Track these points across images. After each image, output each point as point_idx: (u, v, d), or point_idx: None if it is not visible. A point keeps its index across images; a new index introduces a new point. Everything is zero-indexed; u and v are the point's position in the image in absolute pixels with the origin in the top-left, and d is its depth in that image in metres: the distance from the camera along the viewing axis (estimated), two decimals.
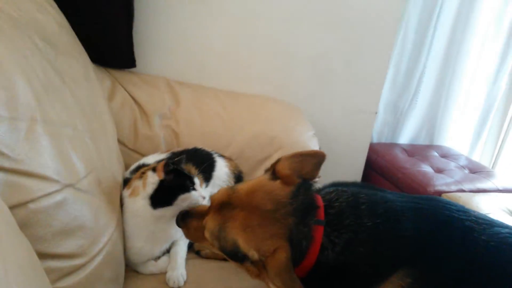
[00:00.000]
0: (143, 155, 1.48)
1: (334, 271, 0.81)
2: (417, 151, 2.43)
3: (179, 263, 1.12)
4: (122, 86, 1.57)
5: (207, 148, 1.49)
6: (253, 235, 0.79)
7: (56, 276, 0.79)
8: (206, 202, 1.06)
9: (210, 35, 1.76)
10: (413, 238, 0.81)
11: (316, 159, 0.91)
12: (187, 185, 1.05)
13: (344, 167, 2.21)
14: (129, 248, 1.10)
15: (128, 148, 1.48)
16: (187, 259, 1.18)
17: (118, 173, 1.17)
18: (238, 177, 1.45)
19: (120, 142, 1.46)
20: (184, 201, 1.03)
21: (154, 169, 1.09)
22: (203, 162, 1.35)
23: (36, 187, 0.75)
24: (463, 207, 0.91)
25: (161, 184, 1.06)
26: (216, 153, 1.43)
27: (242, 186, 0.88)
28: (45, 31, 1.09)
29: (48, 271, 0.77)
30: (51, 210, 0.77)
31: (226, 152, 1.55)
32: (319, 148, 2.01)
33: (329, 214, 0.84)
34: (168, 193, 1.04)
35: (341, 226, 0.82)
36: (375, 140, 2.59)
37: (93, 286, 0.88)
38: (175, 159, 1.12)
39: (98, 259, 0.90)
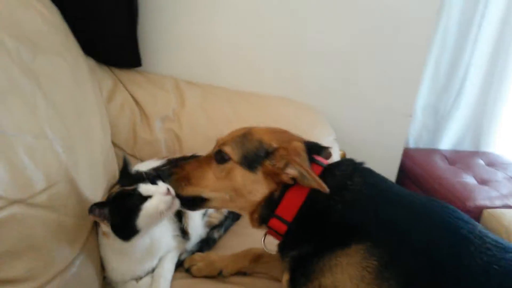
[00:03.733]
0: (143, 160, 1.38)
1: (317, 215, 0.82)
2: (460, 159, 2.16)
3: (161, 285, 1.00)
4: (125, 87, 1.48)
5: None
6: (275, 135, 0.90)
7: None
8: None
9: (221, 32, 1.64)
10: (393, 224, 0.78)
11: None
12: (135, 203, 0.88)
13: None
14: (105, 266, 1.00)
15: (126, 153, 1.39)
16: (175, 279, 1.06)
17: (99, 184, 1.07)
18: None
19: (117, 146, 1.38)
20: (151, 217, 0.90)
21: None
22: None
23: None
24: (470, 219, 0.82)
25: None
26: None
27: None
28: (22, 28, 1.01)
29: None
30: None
31: None
32: (342, 156, 1.84)
33: (330, 167, 0.87)
34: (127, 223, 0.89)
35: (334, 175, 0.85)
36: (412, 146, 2.35)
37: None
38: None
39: (56, 283, 0.80)
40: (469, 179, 1.93)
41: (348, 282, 0.74)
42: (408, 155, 2.15)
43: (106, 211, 0.88)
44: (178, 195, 0.91)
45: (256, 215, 0.89)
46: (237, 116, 1.51)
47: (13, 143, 0.78)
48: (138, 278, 1.03)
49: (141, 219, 0.88)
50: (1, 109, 0.79)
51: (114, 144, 1.37)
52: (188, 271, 1.10)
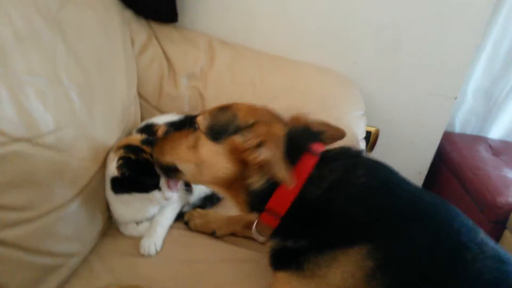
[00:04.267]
0: (164, 112, 1.45)
1: (314, 210, 0.78)
2: (506, 150, 2.01)
3: (157, 232, 1.08)
4: (158, 41, 1.53)
5: None
6: (256, 113, 0.84)
7: None
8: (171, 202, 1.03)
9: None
10: (396, 226, 0.76)
11: None
12: (146, 185, 0.98)
13: (407, 157, 1.93)
14: (110, 207, 1.09)
15: (151, 105, 1.46)
16: (173, 229, 1.14)
17: (113, 131, 1.14)
18: None
19: (143, 98, 1.45)
20: (142, 197, 0.98)
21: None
22: None
23: None
24: (474, 226, 0.79)
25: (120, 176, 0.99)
26: None
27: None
28: None
29: None
30: None
31: None
32: (374, 133, 1.79)
33: (327, 155, 0.83)
34: (127, 185, 0.99)
35: (334, 166, 0.81)
36: (457, 130, 2.20)
37: (43, 241, 0.88)
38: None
39: (53, 215, 0.90)
40: (510, 174, 1.79)
41: (338, 275, 0.75)
42: (449, 139, 2.03)
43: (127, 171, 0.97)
44: (158, 162, 0.95)
45: (240, 199, 0.85)
46: (262, 80, 1.51)
47: (25, 86, 0.86)
48: (138, 222, 1.12)
49: (137, 197, 0.99)
50: (17, 54, 0.86)
51: (140, 95, 1.44)
52: (186, 224, 1.18)
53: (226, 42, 1.63)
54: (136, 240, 1.08)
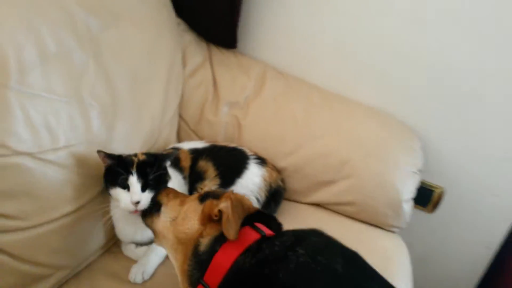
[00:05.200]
0: (201, 138, 1.45)
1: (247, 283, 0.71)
2: None
3: (150, 260, 1.07)
4: (211, 65, 1.54)
5: (264, 151, 1.35)
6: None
7: None
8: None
9: (324, 27, 1.51)
10: None
11: None
12: (120, 181, 0.97)
13: (475, 226, 1.65)
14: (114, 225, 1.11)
15: (189, 128, 1.47)
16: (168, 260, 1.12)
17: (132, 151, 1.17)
18: (275, 192, 1.27)
19: (183, 120, 1.47)
20: (117, 196, 0.98)
21: None
22: (231, 165, 1.23)
23: None
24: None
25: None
26: (257, 159, 1.27)
27: None
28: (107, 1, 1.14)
29: None
30: None
31: (282, 161, 1.37)
32: (438, 193, 1.57)
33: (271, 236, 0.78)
34: (109, 177, 1.00)
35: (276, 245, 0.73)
36: None
37: (32, 250, 0.93)
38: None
39: (46, 227, 0.94)
40: None
41: None
42: None
43: (108, 161, 0.99)
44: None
45: (184, 268, 0.80)
46: (307, 117, 1.41)
47: (38, 102, 0.91)
48: (138, 244, 1.12)
49: (113, 192, 0.98)
50: (38, 72, 0.92)
51: (181, 117, 1.47)
52: None
53: (281, 73, 1.57)
54: (131, 263, 1.08)
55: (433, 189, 1.63)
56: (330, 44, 1.54)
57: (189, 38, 1.54)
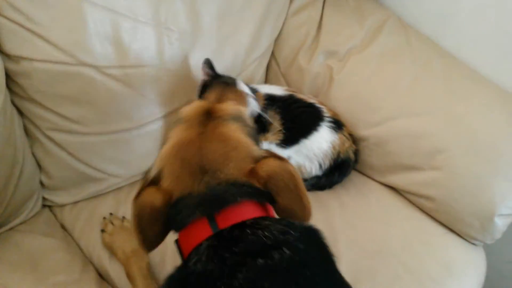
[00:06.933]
0: (289, 84, 1.35)
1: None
2: None
3: None
4: (324, 4, 1.36)
5: (349, 113, 1.21)
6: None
7: (49, 126, 0.96)
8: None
9: None
10: None
11: None
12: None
13: None
14: None
15: (280, 70, 1.37)
16: None
17: None
18: (343, 163, 1.14)
19: (275, 60, 1.38)
20: None
21: None
22: (301, 122, 1.12)
23: (46, 51, 0.87)
24: None
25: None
26: (333, 122, 1.13)
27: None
28: None
29: (43, 119, 0.95)
30: (53, 75, 0.90)
31: (365, 130, 1.19)
32: None
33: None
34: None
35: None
36: None
37: (88, 154, 1.03)
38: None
39: (103, 137, 1.03)
40: None
41: None
42: None
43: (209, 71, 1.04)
44: None
45: None
46: (412, 88, 1.17)
47: (115, 19, 0.93)
48: None
49: None
50: None
51: (274, 57, 1.38)
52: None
53: (405, 27, 1.31)
54: None
55: None
56: (474, 4, 1.21)
57: None
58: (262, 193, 0.60)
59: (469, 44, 1.26)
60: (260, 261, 0.52)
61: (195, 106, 0.70)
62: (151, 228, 0.61)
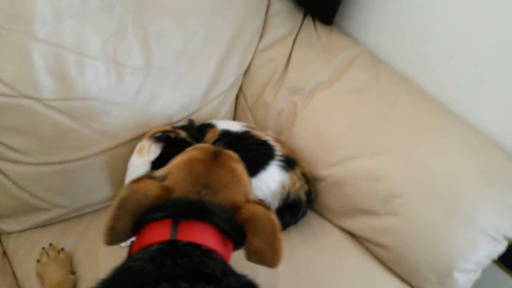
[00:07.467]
0: (256, 120, 1.34)
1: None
2: None
3: None
4: (294, 41, 1.35)
5: (308, 152, 1.18)
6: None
7: None
8: None
9: (444, 17, 1.15)
10: None
11: None
12: None
13: None
14: None
15: (247, 105, 1.36)
16: None
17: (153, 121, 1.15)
18: (293, 204, 1.09)
19: (243, 95, 1.37)
20: None
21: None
22: (250, 160, 1.08)
23: None
24: None
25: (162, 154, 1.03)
26: (284, 161, 1.09)
27: None
28: None
29: None
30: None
31: (324, 170, 1.15)
32: None
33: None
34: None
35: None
36: None
37: (32, 184, 1.03)
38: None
39: (47, 168, 1.03)
40: None
41: None
42: None
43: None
44: None
45: None
46: (375, 126, 1.12)
47: (63, 54, 0.96)
48: None
49: None
50: (69, 27, 0.97)
51: (242, 92, 1.37)
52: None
53: (377, 65, 1.27)
54: None
55: None
56: (447, 40, 1.16)
57: (279, 7, 1.37)
58: (236, 227, 0.64)
59: (443, 81, 1.21)
60: (184, 285, 0.53)
61: (207, 145, 0.79)
62: (125, 217, 0.62)
